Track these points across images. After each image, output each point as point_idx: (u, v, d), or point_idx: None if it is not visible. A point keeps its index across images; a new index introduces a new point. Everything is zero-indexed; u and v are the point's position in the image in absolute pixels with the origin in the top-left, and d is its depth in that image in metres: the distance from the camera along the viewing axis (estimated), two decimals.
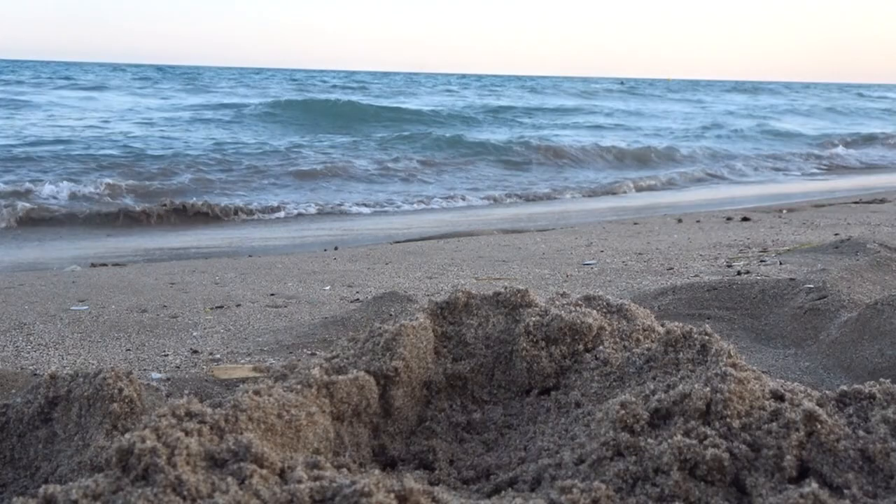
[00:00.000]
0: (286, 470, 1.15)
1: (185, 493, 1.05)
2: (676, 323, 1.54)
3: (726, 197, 10.30)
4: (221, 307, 3.20)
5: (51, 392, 1.49)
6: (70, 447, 1.41)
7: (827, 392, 1.32)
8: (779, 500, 1.08)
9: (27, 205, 7.95)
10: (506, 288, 1.84)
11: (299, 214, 8.67)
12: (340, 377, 1.44)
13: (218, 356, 2.50)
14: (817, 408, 1.20)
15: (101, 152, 11.97)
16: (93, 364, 2.41)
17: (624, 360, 1.55)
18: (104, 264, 5.14)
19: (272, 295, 3.48)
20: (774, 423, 1.20)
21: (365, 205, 9.28)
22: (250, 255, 5.49)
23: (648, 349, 1.54)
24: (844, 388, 1.29)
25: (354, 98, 25.86)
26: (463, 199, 10.03)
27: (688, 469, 1.16)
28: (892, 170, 14.98)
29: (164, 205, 8.30)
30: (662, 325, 1.74)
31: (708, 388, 1.26)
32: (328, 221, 8.22)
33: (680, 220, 6.38)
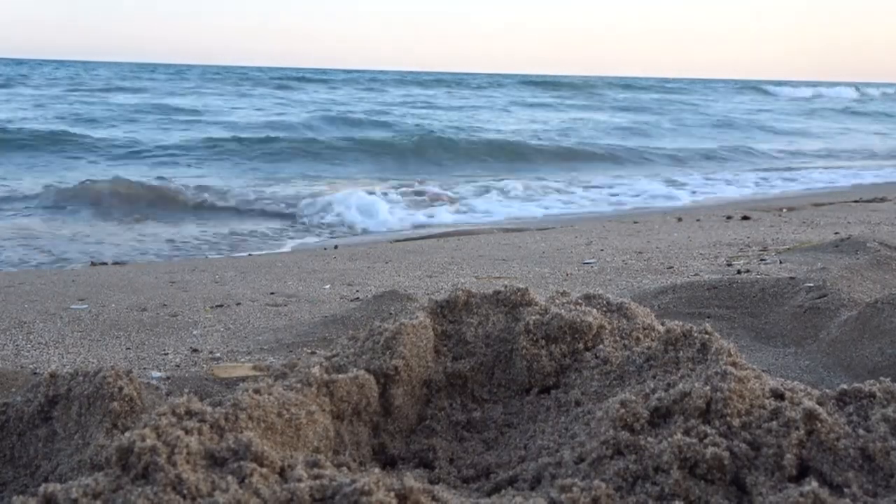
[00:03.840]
0: (286, 468, 1.15)
1: (185, 491, 1.05)
2: (676, 322, 1.54)
3: None
4: (221, 306, 3.20)
5: (51, 391, 1.49)
6: (70, 446, 1.40)
7: (827, 391, 1.32)
8: (779, 499, 1.08)
9: None
10: (506, 287, 1.84)
11: None
12: (340, 376, 1.44)
13: (218, 355, 2.50)
14: (817, 406, 1.20)
15: None
16: (93, 363, 2.41)
17: (624, 359, 1.55)
18: (104, 263, 5.14)
19: (272, 293, 3.47)
20: (774, 422, 1.20)
21: None
22: (250, 254, 5.48)
23: (648, 348, 1.54)
24: (844, 386, 1.29)
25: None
26: None
27: (688, 468, 1.16)
28: None
29: None
30: (662, 324, 1.74)
31: (708, 387, 1.26)
32: None
33: (680, 219, 6.38)
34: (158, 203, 8.57)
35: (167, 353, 2.52)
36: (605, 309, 1.77)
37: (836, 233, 4.87)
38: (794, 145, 17.85)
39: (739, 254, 4.21)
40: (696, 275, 3.59)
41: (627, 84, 51.78)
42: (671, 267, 3.85)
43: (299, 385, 1.38)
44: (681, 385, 1.30)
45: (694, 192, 10.43)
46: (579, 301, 1.80)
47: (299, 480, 1.10)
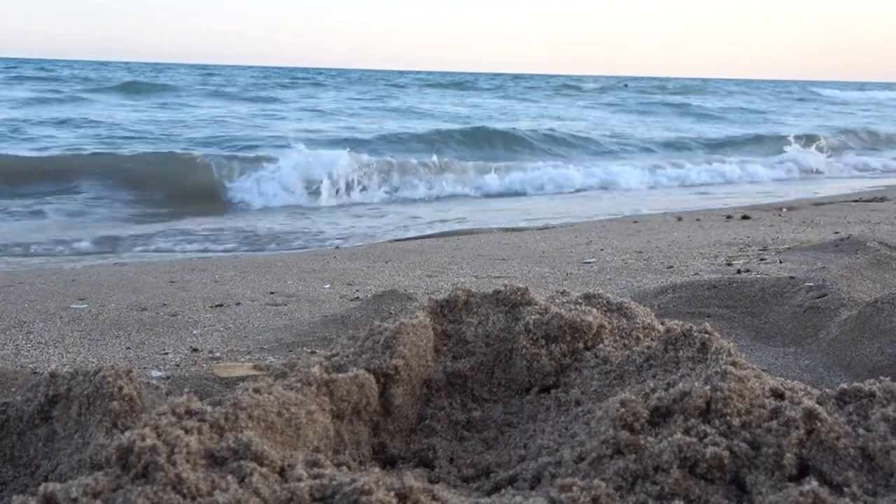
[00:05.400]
0: (286, 468, 1.15)
1: (185, 491, 1.05)
2: (676, 321, 1.54)
3: None
4: (221, 305, 3.20)
5: (50, 390, 1.48)
6: (70, 445, 1.40)
7: (827, 390, 1.32)
8: (779, 499, 1.08)
9: None
10: (506, 286, 1.84)
11: None
12: (340, 375, 1.44)
13: (218, 354, 2.50)
14: (817, 406, 1.20)
15: None
16: (93, 362, 2.40)
17: (624, 359, 1.55)
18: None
19: (272, 293, 3.47)
20: (774, 422, 1.20)
21: None
22: (248, 254, 5.48)
23: (648, 347, 1.54)
24: (844, 386, 1.29)
25: None
26: None
27: (688, 467, 1.16)
28: None
29: None
30: (662, 324, 1.74)
31: (708, 387, 1.26)
32: None
33: (680, 219, 6.38)
34: None
35: (167, 353, 2.52)
36: (605, 308, 1.77)
37: (836, 232, 4.87)
38: None
39: (739, 253, 4.21)
40: (696, 274, 3.59)
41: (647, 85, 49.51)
42: (671, 266, 3.85)
43: (299, 384, 1.38)
44: (681, 384, 1.30)
45: None
46: (579, 300, 1.80)
47: (299, 480, 1.10)
